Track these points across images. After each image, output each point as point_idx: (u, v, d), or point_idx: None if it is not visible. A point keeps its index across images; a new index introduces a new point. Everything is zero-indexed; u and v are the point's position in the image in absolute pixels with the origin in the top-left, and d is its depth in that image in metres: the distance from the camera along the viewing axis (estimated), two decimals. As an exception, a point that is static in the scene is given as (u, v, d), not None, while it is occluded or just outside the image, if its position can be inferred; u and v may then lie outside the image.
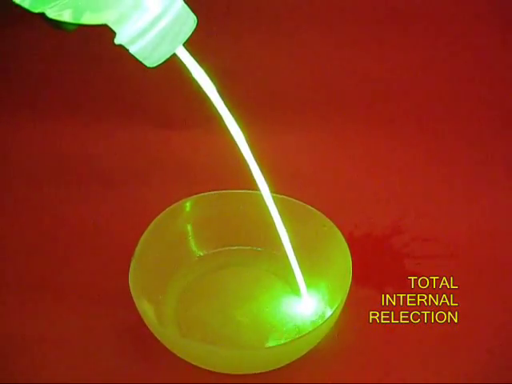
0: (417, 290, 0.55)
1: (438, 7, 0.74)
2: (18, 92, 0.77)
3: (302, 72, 0.77)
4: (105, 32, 0.37)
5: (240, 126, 0.44)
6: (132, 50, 0.36)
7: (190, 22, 0.37)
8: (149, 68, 0.37)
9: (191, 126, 0.74)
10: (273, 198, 0.52)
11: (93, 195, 0.67)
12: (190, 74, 0.41)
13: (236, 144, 0.44)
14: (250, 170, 0.46)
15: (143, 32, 0.35)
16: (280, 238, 0.50)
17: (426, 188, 0.68)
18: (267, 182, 0.48)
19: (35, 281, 0.57)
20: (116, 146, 0.73)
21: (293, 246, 0.52)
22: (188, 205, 0.57)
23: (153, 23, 0.35)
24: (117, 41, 0.36)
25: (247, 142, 0.44)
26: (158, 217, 0.55)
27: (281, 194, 0.55)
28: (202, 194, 0.57)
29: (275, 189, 0.54)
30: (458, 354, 0.52)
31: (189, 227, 0.57)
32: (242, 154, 0.45)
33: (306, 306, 0.53)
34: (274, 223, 0.49)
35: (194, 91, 0.42)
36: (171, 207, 0.56)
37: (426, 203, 0.66)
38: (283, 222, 0.50)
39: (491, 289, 0.57)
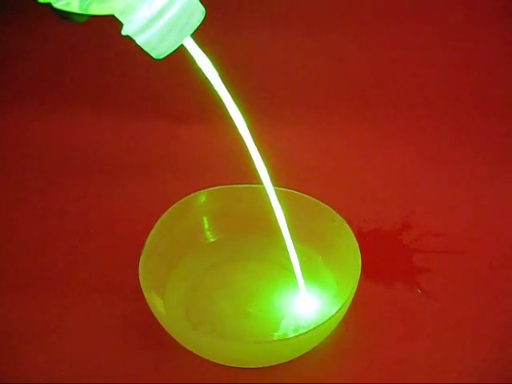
0: (425, 286, 0.55)
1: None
2: (28, 85, 0.78)
3: (310, 66, 0.77)
4: (112, 24, 0.37)
5: (247, 120, 0.44)
6: (139, 40, 0.36)
7: (198, 12, 0.37)
8: (156, 60, 0.37)
9: (200, 120, 0.74)
10: (282, 192, 0.52)
11: (102, 188, 0.67)
12: (199, 66, 0.41)
13: (242, 138, 0.44)
14: (256, 163, 0.46)
15: (150, 22, 0.35)
16: (286, 235, 0.50)
17: (435, 183, 0.67)
18: (276, 177, 0.48)
19: (45, 273, 0.58)
20: (126, 140, 0.73)
21: (302, 241, 0.53)
22: (198, 198, 0.57)
23: (160, 13, 0.35)
24: (124, 32, 0.36)
25: (254, 135, 0.44)
26: (168, 210, 0.55)
27: (290, 189, 0.55)
28: (213, 187, 0.57)
29: (285, 183, 0.54)
30: (467, 353, 0.51)
31: (198, 221, 0.57)
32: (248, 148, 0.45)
33: (311, 300, 0.53)
34: (278, 217, 0.49)
35: (204, 84, 0.42)
36: (182, 200, 0.56)
37: (435, 199, 0.65)
38: (293, 216, 0.50)
39: (499, 285, 0.56)
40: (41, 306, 0.55)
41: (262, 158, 0.45)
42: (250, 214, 0.57)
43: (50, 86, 0.78)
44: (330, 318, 0.47)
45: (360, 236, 0.53)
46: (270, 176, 0.47)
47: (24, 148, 0.73)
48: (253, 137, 0.44)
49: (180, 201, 0.56)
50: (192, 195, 0.57)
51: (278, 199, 0.48)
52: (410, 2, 0.74)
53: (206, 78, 0.41)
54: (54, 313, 0.54)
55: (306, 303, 0.53)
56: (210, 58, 0.41)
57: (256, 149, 0.44)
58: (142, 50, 0.37)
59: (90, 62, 0.78)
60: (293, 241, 0.50)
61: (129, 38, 0.36)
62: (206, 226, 0.58)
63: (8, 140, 0.73)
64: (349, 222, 0.53)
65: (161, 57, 0.37)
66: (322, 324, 0.46)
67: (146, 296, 0.48)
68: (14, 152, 0.72)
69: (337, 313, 0.47)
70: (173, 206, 0.55)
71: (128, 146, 0.73)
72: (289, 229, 0.49)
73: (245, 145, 0.44)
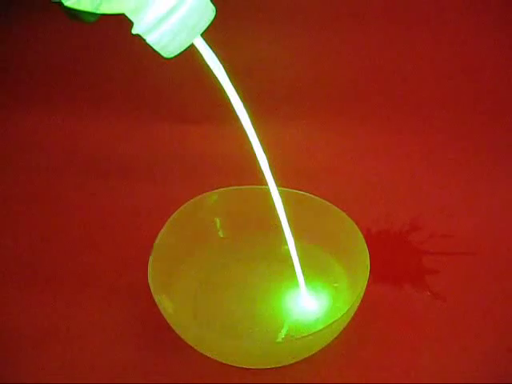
0: (434, 287, 0.55)
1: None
2: (36, 86, 0.78)
3: (319, 68, 0.77)
4: (122, 24, 0.37)
5: (256, 121, 0.44)
6: (149, 39, 0.36)
7: (208, 12, 0.37)
8: (166, 59, 0.37)
9: (210, 121, 0.74)
10: (291, 193, 0.53)
11: (112, 189, 0.67)
12: (208, 68, 0.41)
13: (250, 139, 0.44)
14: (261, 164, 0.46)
15: (160, 21, 0.35)
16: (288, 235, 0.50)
17: (443, 185, 0.67)
18: (285, 178, 0.48)
19: (54, 274, 0.58)
20: (135, 141, 0.74)
21: (311, 242, 0.53)
22: (208, 199, 0.57)
23: (170, 12, 0.35)
24: (134, 31, 0.36)
25: (263, 137, 0.44)
26: (177, 211, 0.55)
27: (299, 190, 0.55)
28: (223, 188, 0.57)
29: (293, 185, 0.54)
30: (476, 354, 0.51)
31: (208, 221, 0.58)
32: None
33: (318, 301, 0.53)
34: (281, 218, 0.49)
35: (214, 85, 0.42)
36: (191, 201, 0.56)
37: (443, 200, 0.65)
38: (301, 218, 0.50)
39: (509, 286, 0.56)
40: (49, 307, 0.55)
41: (270, 159, 0.46)
42: (260, 215, 0.57)
43: (58, 87, 0.78)
44: (338, 319, 0.47)
45: (369, 237, 0.53)
46: (279, 177, 0.47)
47: (33, 149, 0.73)
48: (260, 138, 0.44)
49: (189, 201, 0.56)
50: (202, 196, 0.57)
51: (284, 200, 0.48)
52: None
53: (216, 79, 0.41)
54: (62, 313, 0.54)
55: (310, 304, 0.53)
56: (219, 59, 0.41)
57: (261, 149, 0.45)
58: (152, 49, 0.37)
59: (99, 62, 0.78)
60: (301, 242, 0.50)
61: (139, 38, 0.36)
62: (216, 226, 0.58)
63: (16, 142, 0.74)
64: (357, 223, 0.53)
65: (171, 56, 0.37)
66: (329, 325, 0.46)
67: (154, 296, 0.48)
68: (21, 154, 0.73)
69: (345, 314, 0.47)
70: (182, 207, 0.55)
71: (137, 147, 0.73)
72: (297, 230, 0.49)
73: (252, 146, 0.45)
